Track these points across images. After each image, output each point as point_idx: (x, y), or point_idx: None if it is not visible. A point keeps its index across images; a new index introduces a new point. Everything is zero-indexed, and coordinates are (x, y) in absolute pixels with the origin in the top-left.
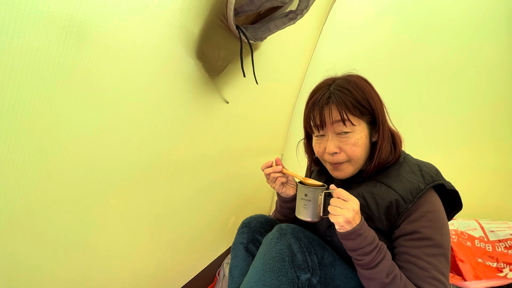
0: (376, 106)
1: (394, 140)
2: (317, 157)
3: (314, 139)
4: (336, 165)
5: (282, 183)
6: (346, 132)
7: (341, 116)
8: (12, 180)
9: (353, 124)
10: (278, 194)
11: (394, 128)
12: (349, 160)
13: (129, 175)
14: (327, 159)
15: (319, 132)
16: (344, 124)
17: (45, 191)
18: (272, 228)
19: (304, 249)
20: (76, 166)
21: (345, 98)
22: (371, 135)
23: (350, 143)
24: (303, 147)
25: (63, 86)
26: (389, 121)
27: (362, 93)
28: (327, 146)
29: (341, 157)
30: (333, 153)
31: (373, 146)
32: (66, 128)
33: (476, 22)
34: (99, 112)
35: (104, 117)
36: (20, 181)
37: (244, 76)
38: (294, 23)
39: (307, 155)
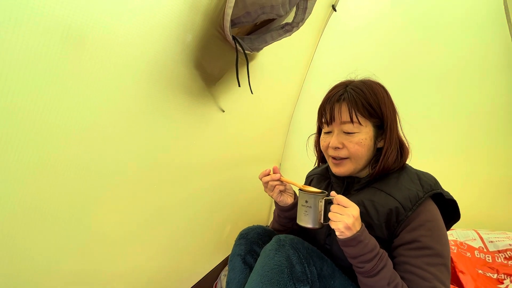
0: (387, 112)
1: (402, 149)
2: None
3: (322, 134)
4: (338, 160)
5: (280, 192)
6: (351, 132)
7: (349, 114)
8: (15, 179)
9: (360, 124)
10: (276, 203)
11: (404, 139)
12: (349, 158)
13: (125, 180)
14: (330, 154)
15: (328, 126)
16: (352, 122)
17: (44, 192)
18: (270, 239)
19: (303, 260)
20: (74, 169)
21: (357, 98)
22: (376, 139)
23: (354, 141)
24: (313, 143)
25: (60, 90)
26: (400, 131)
27: (375, 96)
28: (331, 140)
29: (342, 152)
30: (335, 148)
31: (378, 151)
32: (67, 131)
33: (474, 33)
34: (97, 118)
35: (101, 123)
36: (22, 180)
37: (239, 85)
38: (290, 35)
39: (316, 150)
